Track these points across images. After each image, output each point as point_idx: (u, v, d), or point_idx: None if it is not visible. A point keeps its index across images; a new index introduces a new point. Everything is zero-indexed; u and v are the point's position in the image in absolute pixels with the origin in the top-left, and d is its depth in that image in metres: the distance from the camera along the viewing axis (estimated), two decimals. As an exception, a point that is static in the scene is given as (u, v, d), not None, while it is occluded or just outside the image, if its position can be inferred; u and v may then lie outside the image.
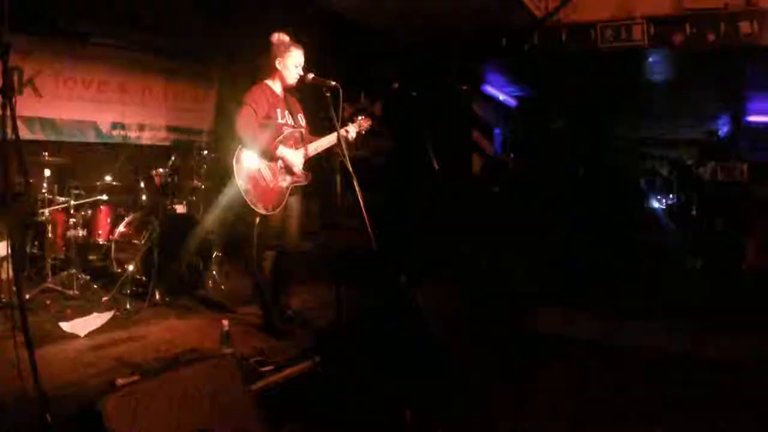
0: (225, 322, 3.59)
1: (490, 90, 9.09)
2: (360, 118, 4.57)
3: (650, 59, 7.25)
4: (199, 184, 6.14)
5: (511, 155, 10.08)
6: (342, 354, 3.87)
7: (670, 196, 10.75)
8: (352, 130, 4.45)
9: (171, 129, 7.76)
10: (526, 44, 7.03)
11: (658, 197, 11.47)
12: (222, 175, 4.20)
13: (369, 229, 3.35)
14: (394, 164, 7.58)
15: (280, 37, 4.25)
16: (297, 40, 4.29)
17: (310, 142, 4.33)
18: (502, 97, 9.66)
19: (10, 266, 5.26)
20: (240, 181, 3.96)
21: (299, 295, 5.31)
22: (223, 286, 5.80)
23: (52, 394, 3.23)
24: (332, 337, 4.24)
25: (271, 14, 6.83)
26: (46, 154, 5.45)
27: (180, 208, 6.03)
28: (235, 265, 6.35)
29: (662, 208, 11.04)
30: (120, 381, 3.23)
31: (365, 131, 4.59)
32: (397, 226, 6.76)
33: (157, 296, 5.18)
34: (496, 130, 9.50)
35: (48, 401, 2.70)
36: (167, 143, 7.70)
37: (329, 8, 6.27)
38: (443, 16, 6.54)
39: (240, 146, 4.02)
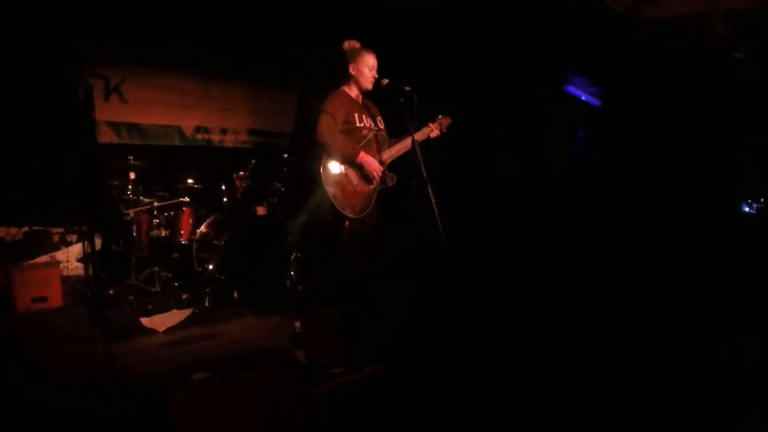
0: (297, 324, 3.58)
1: (572, 90, 8.82)
2: (440, 116, 4.51)
3: (736, 55, 6.84)
4: (280, 186, 6.20)
5: (595, 158, 9.73)
6: (416, 357, 3.80)
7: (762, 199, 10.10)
8: (434, 129, 4.39)
9: (252, 132, 7.88)
10: (606, 42, 6.78)
11: (749, 201, 10.79)
12: (303, 178, 4.20)
13: (442, 237, 3.28)
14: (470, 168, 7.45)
15: (350, 44, 4.25)
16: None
17: (390, 145, 4.31)
18: (584, 97, 9.34)
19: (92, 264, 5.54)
20: (328, 188, 3.97)
21: (377, 295, 5.27)
22: (300, 287, 5.81)
23: (126, 387, 3.34)
24: (407, 339, 4.18)
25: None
26: (131, 157, 5.60)
27: (261, 210, 6.11)
28: (313, 266, 6.37)
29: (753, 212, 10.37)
30: (192, 377, 3.24)
31: (446, 129, 4.52)
32: (472, 231, 6.66)
33: (236, 295, 5.26)
34: (580, 132, 9.20)
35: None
36: (249, 146, 7.84)
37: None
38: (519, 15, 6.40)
39: (324, 155, 4.03)
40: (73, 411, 3.10)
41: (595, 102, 9.73)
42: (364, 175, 4.12)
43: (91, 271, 6.01)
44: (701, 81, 7.79)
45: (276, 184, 6.20)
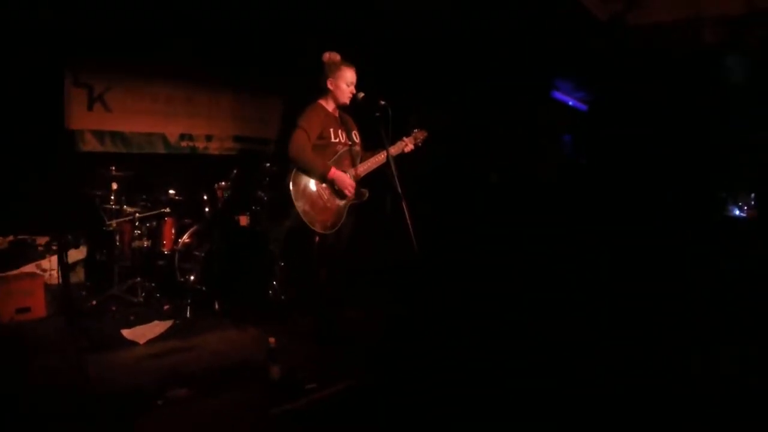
0: (272, 340, 3.62)
1: (559, 95, 8.88)
2: (416, 130, 4.54)
3: (724, 61, 6.90)
4: (263, 195, 6.23)
5: (582, 162, 9.80)
6: (388, 373, 3.85)
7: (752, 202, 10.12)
8: (408, 144, 4.42)
9: (238, 139, 7.90)
10: (592, 48, 6.84)
11: (739, 203, 10.81)
12: (282, 190, 4.24)
13: (416, 251, 3.33)
14: (454, 174, 7.50)
15: (330, 56, 4.26)
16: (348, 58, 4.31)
17: (365, 159, 4.34)
18: (571, 102, 9.41)
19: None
20: (297, 203, 3.98)
21: (352, 310, 5.31)
22: (283, 296, 5.84)
23: (102, 401, 3.38)
24: (380, 355, 4.23)
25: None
26: (113, 168, 5.62)
27: (243, 220, 6.15)
28: (296, 277, 6.42)
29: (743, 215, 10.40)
30: (164, 395, 3.29)
31: (421, 143, 4.56)
32: (453, 239, 6.71)
33: (217, 306, 5.29)
34: (566, 137, 9.27)
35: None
36: (234, 153, 7.86)
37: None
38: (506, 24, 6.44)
39: (294, 169, 4.05)
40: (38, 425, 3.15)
41: (582, 107, 9.80)
42: (336, 190, 4.14)
43: (80, 279, 6.13)
44: (689, 84, 7.86)
45: (259, 192, 6.22)
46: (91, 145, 6.59)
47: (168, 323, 4.93)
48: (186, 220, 6.00)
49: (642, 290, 5.89)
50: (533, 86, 7.82)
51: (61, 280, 3.42)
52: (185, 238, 5.70)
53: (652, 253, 7.15)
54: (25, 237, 6.21)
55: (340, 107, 4.35)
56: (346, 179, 4.13)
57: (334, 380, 3.62)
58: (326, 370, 3.83)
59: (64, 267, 3.18)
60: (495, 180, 6.51)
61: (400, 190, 3.75)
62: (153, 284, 5.77)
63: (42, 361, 4.06)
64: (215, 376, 3.82)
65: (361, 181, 4.28)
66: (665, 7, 6.43)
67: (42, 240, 6.31)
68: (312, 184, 4.07)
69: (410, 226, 3.64)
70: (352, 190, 4.18)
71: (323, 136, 4.14)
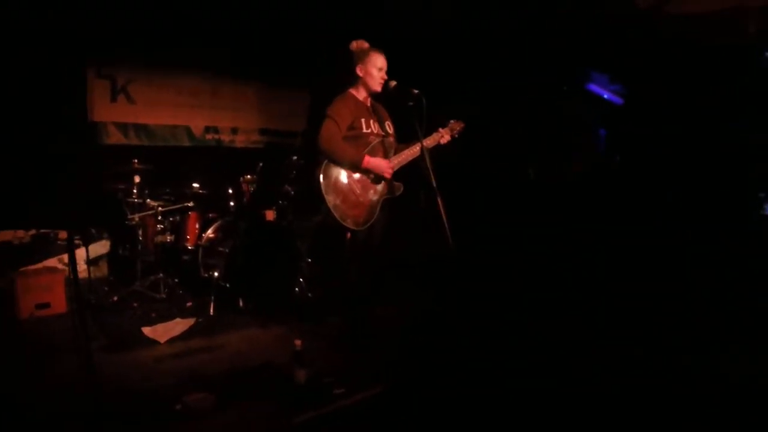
0: (298, 342, 3.38)
1: (594, 88, 8.54)
2: (452, 121, 4.28)
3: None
4: (289, 189, 6.03)
5: (616, 158, 9.46)
6: (421, 377, 3.61)
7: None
8: (444, 135, 4.16)
9: (264, 132, 7.75)
10: (629, 39, 6.51)
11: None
12: (312, 184, 4.01)
13: (452, 249, 3.09)
14: (489, 168, 7.21)
15: (358, 43, 4.05)
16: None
17: (398, 151, 4.09)
18: (606, 95, 9.06)
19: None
20: (328, 197, 3.75)
21: (383, 308, 5.08)
22: (310, 294, 5.64)
23: (118, 406, 3.19)
24: (412, 357, 3.99)
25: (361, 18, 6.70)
26: (136, 161, 5.46)
27: (269, 215, 5.95)
28: (324, 273, 6.22)
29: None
30: (184, 400, 3.08)
31: (458, 134, 4.30)
32: (487, 236, 6.45)
33: (241, 303, 5.10)
34: (601, 131, 8.92)
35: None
36: (260, 146, 7.70)
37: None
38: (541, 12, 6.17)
39: (325, 160, 3.83)
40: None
41: (618, 100, 9.44)
42: (370, 183, 3.91)
43: (104, 274, 6.00)
44: (728, 79, 7.50)
45: (286, 186, 6.03)
46: (115, 137, 6.46)
47: (190, 321, 4.74)
48: (210, 215, 5.84)
49: (676, 291, 5.60)
50: (568, 78, 7.49)
51: (71, 275, 3.23)
52: (209, 233, 5.53)
53: (686, 254, 6.84)
54: (47, 231, 6.10)
55: (372, 96, 4.12)
56: (382, 163, 3.88)
57: (363, 385, 3.39)
58: (356, 374, 3.60)
59: (71, 261, 2.99)
60: (533, 175, 6.21)
61: (435, 185, 3.50)
62: (176, 280, 5.62)
63: (56, 361, 3.89)
64: (237, 379, 3.61)
65: (394, 175, 4.03)
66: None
67: (64, 234, 6.20)
68: (344, 178, 3.84)
69: (445, 222, 3.39)
70: (391, 172, 3.93)
71: (354, 127, 3.91)
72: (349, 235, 3.96)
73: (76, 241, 6.26)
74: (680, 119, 9.23)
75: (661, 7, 6.12)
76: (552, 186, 6.86)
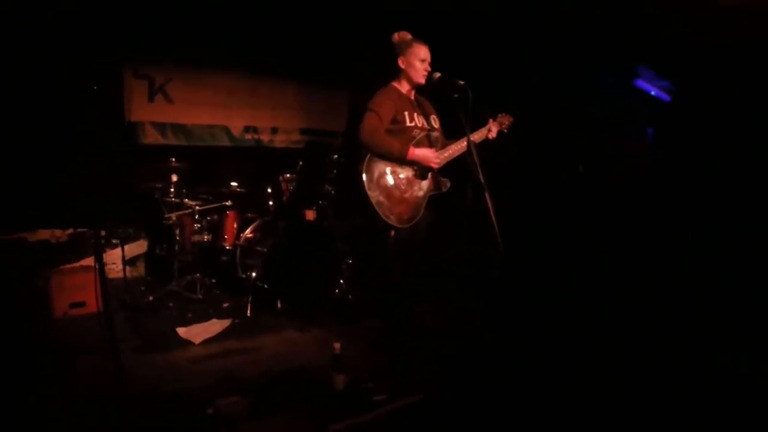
0: (337, 345, 3.20)
1: (642, 84, 8.21)
2: (500, 114, 4.08)
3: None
4: (330, 189, 5.86)
5: (663, 155, 9.10)
6: (467, 383, 3.39)
7: None
8: (492, 130, 3.96)
9: (304, 131, 7.61)
10: (680, 33, 6.20)
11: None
12: (353, 181, 3.83)
13: (501, 248, 2.88)
14: (531, 166, 6.93)
15: (400, 35, 3.90)
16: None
17: (446, 145, 3.89)
18: (654, 92, 8.71)
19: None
20: (372, 193, 3.58)
21: (426, 308, 4.87)
22: (350, 296, 5.45)
23: (147, 408, 3.05)
24: (458, 361, 3.77)
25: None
26: (173, 159, 5.36)
27: (309, 214, 5.78)
28: (365, 274, 6.03)
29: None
30: (217, 403, 2.91)
31: (507, 129, 4.08)
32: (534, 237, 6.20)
33: (279, 305, 4.94)
34: (649, 129, 8.57)
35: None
36: (300, 146, 7.56)
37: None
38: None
39: (369, 155, 3.65)
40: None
41: (665, 97, 9.08)
42: (415, 179, 3.71)
43: (141, 274, 5.92)
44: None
45: (326, 186, 5.87)
46: (153, 137, 6.38)
47: (226, 322, 4.60)
48: (249, 214, 5.71)
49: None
50: (616, 73, 7.19)
51: (99, 276, 3.11)
52: (248, 232, 5.39)
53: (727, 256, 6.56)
54: (84, 230, 6.04)
55: (416, 89, 3.94)
56: (428, 154, 3.70)
57: (406, 391, 3.19)
58: (398, 379, 3.40)
59: (98, 260, 2.87)
60: (582, 171, 5.92)
61: (482, 180, 3.28)
62: (213, 280, 5.50)
63: (88, 361, 3.75)
64: (273, 383, 3.44)
65: (441, 171, 3.83)
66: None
67: (102, 233, 6.13)
68: (388, 173, 3.66)
69: (494, 220, 3.17)
70: (438, 163, 3.74)
71: (397, 120, 3.73)
72: (393, 233, 3.77)
73: (114, 241, 6.21)
74: (728, 117, 8.86)
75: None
76: (600, 184, 6.55)
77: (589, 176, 5.41)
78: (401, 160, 3.66)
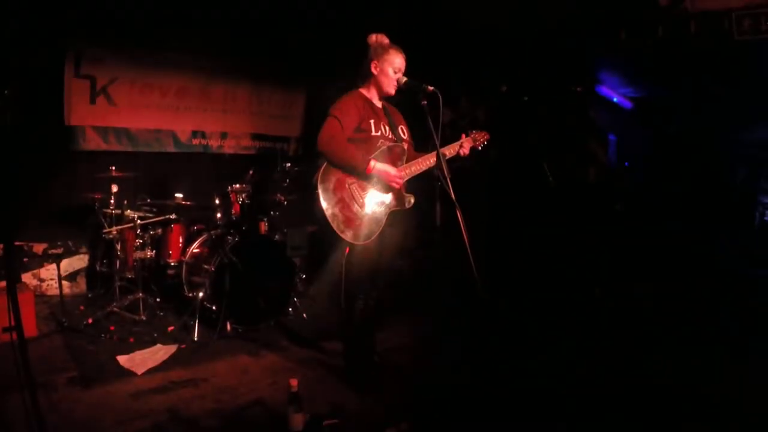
0: (293, 382, 2.89)
1: (604, 91, 8.15)
2: (474, 131, 3.79)
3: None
4: (282, 198, 5.56)
5: (625, 164, 9.11)
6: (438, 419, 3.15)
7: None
8: (465, 146, 3.69)
9: (256, 137, 7.25)
10: (649, 38, 6.07)
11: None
12: (307, 189, 3.53)
13: (475, 273, 2.63)
14: (498, 175, 6.74)
15: (378, 38, 3.57)
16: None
17: (414, 158, 3.59)
18: (616, 98, 8.68)
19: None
20: (325, 204, 3.26)
21: (390, 327, 4.62)
22: (305, 314, 5.16)
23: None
24: (426, 391, 3.52)
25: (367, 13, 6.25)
26: (113, 168, 4.99)
27: (262, 226, 5.47)
28: (322, 287, 5.75)
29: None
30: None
31: (482, 146, 3.81)
32: (503, 245, 6.01)
33: (228, 327, 4.61)
34: (611, 136, 8.52)
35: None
36: (252, 152, 7.20)
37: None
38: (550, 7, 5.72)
39: (325, 163, 3.35)
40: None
41: (627, 104, 9.06)
42: (375, 192, 3.42)
43: (82, 290, 5.54)
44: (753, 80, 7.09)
45: (278, 195, 5.56)
46: (94, 142, 5.96)
47: (172, 348, 4.26)
48: (195, 227, 5.35)
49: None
50: (579, 79, 7.05)
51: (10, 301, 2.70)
52: (194, 247, 5.05)
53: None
54: (21, 244, 5.62)
55: (385, 98, 3.64)
56: (390, 171, 3.39)
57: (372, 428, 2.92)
58: (361, 417, 3.12)
59: (10, 284, 2.50)
60: (551, 179, 5.73)
61: (453, 198, 3.02)
62: (157, 299, 5.15)
63: (17, 398, 3.37)
64: (222, 422, 3.13)
65: (407, 185, 3.56)
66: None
67: (39, 247, 5.73)
68: (346, 185, 3.36)
69: (466, 242, 2.91)
70: (401, 182, 3.45)
71: (362, 129, 3.43)
72: (348, 249, 3.49)
73: (51, 252, 5.80)
74: (699, 121, 8.88)
75: (683, 2, 5.70)
76: (567, 190, 6.39)
77: (558, 183, 5.25)
78: (361, 174, 3.38)
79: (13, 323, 4.42)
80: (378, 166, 3.37)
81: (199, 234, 5.20)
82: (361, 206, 3.38)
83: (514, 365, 3.77)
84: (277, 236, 5.49)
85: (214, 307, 4.66)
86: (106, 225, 5.04)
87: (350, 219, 3.34)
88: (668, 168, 9.25)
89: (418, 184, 3.66)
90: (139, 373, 3.85)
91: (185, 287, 4.93)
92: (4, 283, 5.15)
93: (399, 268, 3.82)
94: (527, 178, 6.02)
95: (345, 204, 3.34)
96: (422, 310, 5.18)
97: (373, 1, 5.76)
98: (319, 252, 6.03)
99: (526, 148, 4.99)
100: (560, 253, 5.90)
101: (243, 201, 5.14)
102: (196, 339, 4.45)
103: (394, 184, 3.41)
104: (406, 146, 3.60)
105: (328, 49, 6.58)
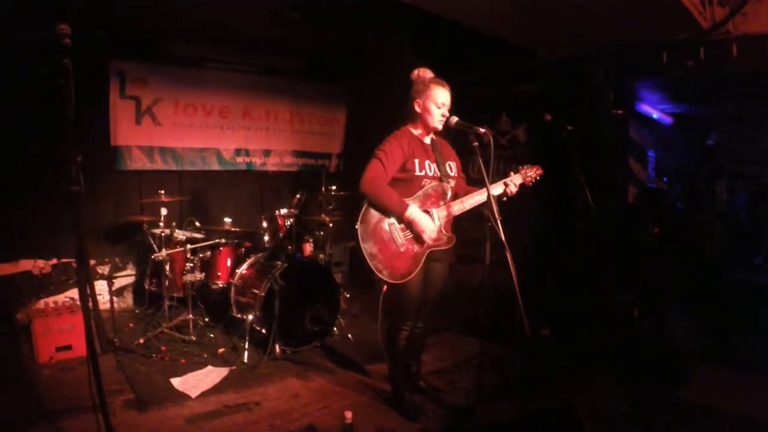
0: (349, 415, 2.97)
1: (644, 108, 8.07)
2: (526, 166, 3.74)
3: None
4: (327, 219, 5.65)
5: (664, 179, 8.99)
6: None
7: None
8: (515, 181, 3.63)
9: (297, 154, 7.35)
10: (691, 60, 6.00)
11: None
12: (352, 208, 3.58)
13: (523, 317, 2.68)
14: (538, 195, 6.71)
15: (420, 73, 3.59)
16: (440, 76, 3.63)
17: (466, 193, 3.60)
18: (655, 115, 8.59)
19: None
20: (364, 245, 3.31)
21: (433, 348, 4.66)
22: (350, 335, 5.23)
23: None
24: (470, 416, 3.56)
25: (402, 31, 6.29)
26: (162, 192, 5.12)
27: (307, 248, 5.54)
28: (364, 305, 5.83)
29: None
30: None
31: (533, 182, 3.76)
32: (544, 270, 6.00)
33: (277, 350, 4.69)
34: (650, 153, 8.45)
35: None
36: (293, 169, 7.30)
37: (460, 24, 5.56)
38: (591, 28, 5.69)
39: (365, 203, 3.39)
40: None
41: (667, 120, 8.96)
42: (415, 232, 3.44)
43: (129, 305, 5.64)
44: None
45: (323, 215, 5.66)
46: (140, 162, 6.09)
47: (224, 371, 4.35)
48: (243, 250, 5.44)
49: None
50: (621, 102, 6.95)
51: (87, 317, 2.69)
52: (243, 269, 5.13)
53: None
54: (69, 260, 5.76)
55: (433, 133, 3.66)
56: (424, 222, 3.39)
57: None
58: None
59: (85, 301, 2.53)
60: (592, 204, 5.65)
61: (503, 239, 3.04)
62: (206, 319, 5.23)
63: (71, 421, 3.47)
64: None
65: (457, 219, 3.58)
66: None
67: (91, 262, 5.86)
68: (385, 224, 3.39)
69: (516, 285, 2.93)
70: (433, 237, 3.45)
71: (407, 169, 3.45)
72: (385, 288, 3.51)
73: (100, 270, 5.94)
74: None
75: (725, 26, 5.64)
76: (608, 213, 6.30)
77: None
78: (398, 219, 3.41)
79: (69, 343, 4.62)
80: (414, 214, 3.37)
81: (247, 255, 5.30)
82: (401, 246, 3.40)
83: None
84: (321, 256, 5.58)
85: (263, 330, 4.74)
86: (155, 246, 5.16)
87: (388, 259, 3.37)
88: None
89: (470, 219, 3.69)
90: (193, 396, 3.94)
91: (234, 308, 5.03)
92: (59, 297, 5.37)
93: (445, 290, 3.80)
94: (569, 201, 5.99)
95: (384, 244, 3.37)
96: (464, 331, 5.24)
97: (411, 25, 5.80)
98: (359, 268, 6.10)
99: (567, 170, 4.97)
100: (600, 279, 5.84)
101: (290, 226, 5.20)
102: (245, 361, 4.53)
103: (427, 240, 3.43)
104: (453, 182, 3.62)
105: (364, 66, 6.65)
